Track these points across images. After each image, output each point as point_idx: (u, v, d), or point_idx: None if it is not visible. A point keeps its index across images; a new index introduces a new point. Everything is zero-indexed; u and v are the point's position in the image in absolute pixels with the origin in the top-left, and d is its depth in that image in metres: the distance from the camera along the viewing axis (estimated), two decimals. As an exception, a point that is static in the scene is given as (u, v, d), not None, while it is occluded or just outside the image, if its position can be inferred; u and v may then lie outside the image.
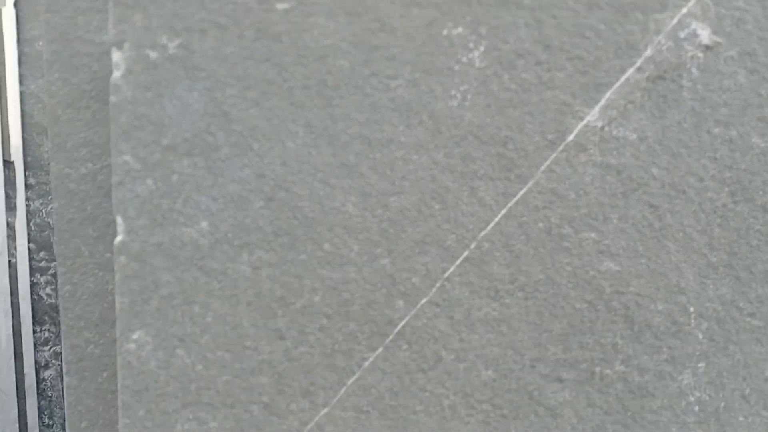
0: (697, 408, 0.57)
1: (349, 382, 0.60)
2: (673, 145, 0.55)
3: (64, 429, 1.57)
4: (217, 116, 0.55)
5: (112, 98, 0.55)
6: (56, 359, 1.50)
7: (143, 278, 0.58)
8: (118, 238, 0.57)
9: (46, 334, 1.48)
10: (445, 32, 0.53)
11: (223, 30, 0.54)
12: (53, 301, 1.47)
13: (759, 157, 0.57)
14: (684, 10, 0.53)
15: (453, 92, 0.54)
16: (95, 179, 0.78)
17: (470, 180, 0.52)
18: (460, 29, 0.53)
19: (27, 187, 1.37)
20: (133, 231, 0.57)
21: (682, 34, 0.54)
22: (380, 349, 0.59)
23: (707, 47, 0.55)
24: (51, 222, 1.41)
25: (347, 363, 0.59)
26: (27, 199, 1.37)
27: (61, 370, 1.54)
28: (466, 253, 0.55)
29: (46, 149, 1.37)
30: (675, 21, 0.53)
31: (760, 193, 0.57)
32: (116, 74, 0.54)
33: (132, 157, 0.55)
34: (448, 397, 0.59)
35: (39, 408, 1.54)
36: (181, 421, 0.61)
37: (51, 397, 1.53)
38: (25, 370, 1.44)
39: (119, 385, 0.62)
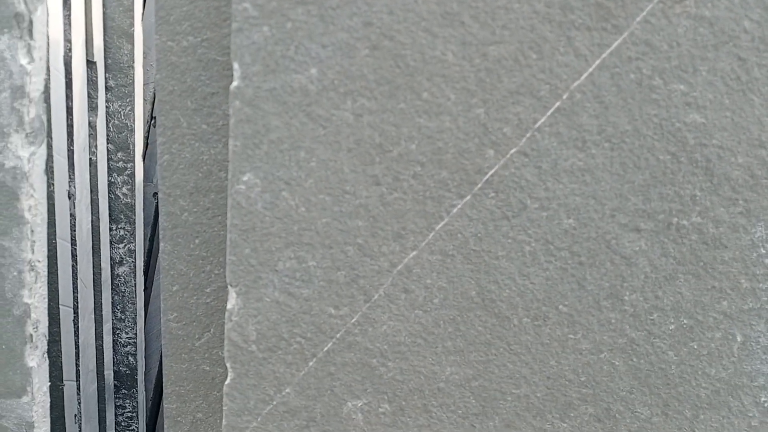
0: (767, 260, 0.61)
1: (438, 227, 0.65)
2: None
3: (135, 323, 1.68)
4: (329, -32, 0.59)
5: (234, -52, 0.59)
6: (130, 256, 1.60)
7: (255, 123, 0.63)
8: (234, 84, 0.63)
9: (122, 232, 1.57)
10: None
11: None
12: (129, 201, 1.55)
13: None
14: None
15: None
16: (195, 52, 0.83)
17: (568, 30, 0.56)
18: None
19: (107, 89, 1.44)
20: (248, 77, 0.62)
21: None
22: (468, 197, 0.63)
23: None
24: (129, 123, 1.48)
25: (437, 209, 0.64)
26: (106, 101, 1.45)
27: (135, 266, 1.64)
28: (557, 104, 0.58)
29: (126, 52, 1.44)
30: None
31: None
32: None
33: (250, 4, 0.60)
34: (530, 243, 0.64)
35: (113, 302, 1.65)
36: (283, 260, 0.67)
37: (124, 293, 1.63)
38: (102, 265, 1.54)
39: (228, 224, 0.68)
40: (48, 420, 1.04)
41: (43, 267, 0.97)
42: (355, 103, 0.62)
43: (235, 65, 0.62)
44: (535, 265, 0.64)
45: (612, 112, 0.58)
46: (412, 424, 0.69)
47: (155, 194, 1.82)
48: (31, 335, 0.97)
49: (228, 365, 0.70)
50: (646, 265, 0.62)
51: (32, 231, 0.93)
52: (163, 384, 0.90)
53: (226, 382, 0.70)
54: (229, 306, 0.68)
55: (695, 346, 0.65)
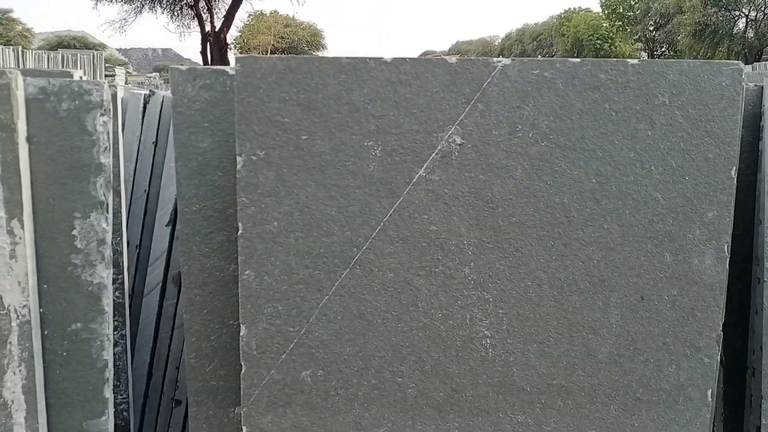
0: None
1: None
2: None
3: (126, 388, 2.36)
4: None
5: (235, 180, 1.45)
6: (122, 339, 2.30)
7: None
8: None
9: (116, 323, 2.28)
10: None
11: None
12: (121, 302, 2.28)
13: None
14: None
15: None
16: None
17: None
18: None
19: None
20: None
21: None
22: (342, 271, 1.51)
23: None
24: (119, 249, 2.24)
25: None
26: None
27: (125, 348, 2.34)
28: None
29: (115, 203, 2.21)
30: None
31: None
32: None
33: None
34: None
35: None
36: (263, 308, 1.50)
37: (118, 366, 2.33)
38: (103, 348, 2.24)
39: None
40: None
41: (112, 339, 1.71)
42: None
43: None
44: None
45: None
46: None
47: (129, 295, 2.55)
48: (107, 378, 1.70)
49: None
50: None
51: (108, 318, 1.69)
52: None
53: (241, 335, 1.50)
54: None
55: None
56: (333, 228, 1.46)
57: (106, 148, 1.69)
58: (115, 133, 2.23)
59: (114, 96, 2.20)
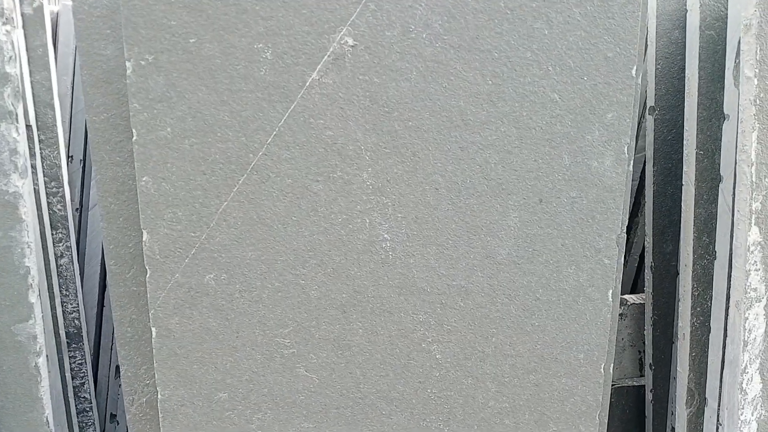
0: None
1: (232, 191, 1.52)
2: None
3: (76, 297, 2.44)
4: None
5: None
6: (67, 251, 2.36)
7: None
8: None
9: (60, 235, 2.33)
10: None
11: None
12: (63, 213, 2.32)
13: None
14: None
15: None
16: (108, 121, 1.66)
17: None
18: None
19: (40, 141, 2.21)
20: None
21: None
22: (242, 177, 1.51)
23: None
24: (57, 163, 2.25)
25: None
26: (40, 149, 2.21)
27: (71, 258, 2.40)
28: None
29: (50, 116, 2.21)
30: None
31: None
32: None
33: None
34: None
35: (59, 284, 2.40)
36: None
37: (66, 277, 2.39)
38: (50, 258, 2.30)
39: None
40: (44, 336, 1.82)
41: (33, 247, 1.76)
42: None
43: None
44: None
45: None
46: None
47: (77, 209, 2.59)
48: (31, 284, 1.76)
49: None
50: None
51: (27, 227, 1.72)
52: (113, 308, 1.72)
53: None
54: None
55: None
56: (227, 133, 1.46)
57: (11, 57, 1.67)
58: (44, 45, 2.20)
59: (40, 8, 2.16)
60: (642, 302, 2.23)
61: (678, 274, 2.08)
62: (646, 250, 2.22)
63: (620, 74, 1.44)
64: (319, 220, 1.52)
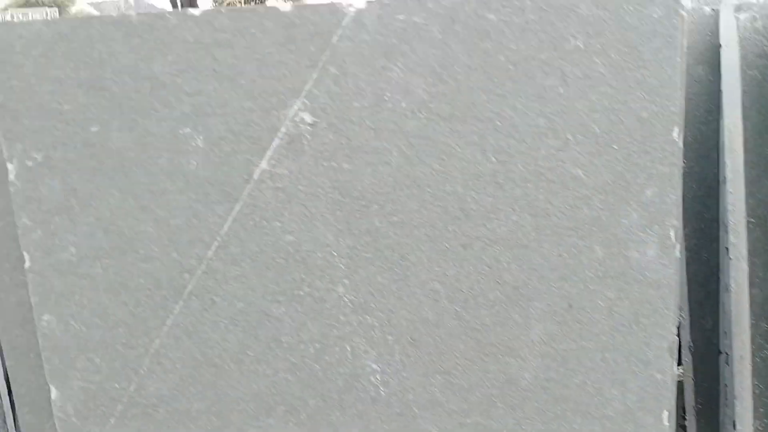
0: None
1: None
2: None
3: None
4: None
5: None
6: None
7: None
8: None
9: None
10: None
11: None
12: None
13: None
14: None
15: None
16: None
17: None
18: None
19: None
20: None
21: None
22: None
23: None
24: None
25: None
26: None
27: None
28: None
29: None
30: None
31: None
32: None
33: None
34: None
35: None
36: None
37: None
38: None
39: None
40: None
41: None
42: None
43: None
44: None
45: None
46: None
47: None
48: None
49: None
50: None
51: None
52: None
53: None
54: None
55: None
56: (152, 249, 1.09)
57: None
58: None
59: None
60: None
61: (720, 353, 1.75)
62: (681, 326, 1.89)
63: (659, 139, 1.12)
64: (284, 353, 1.15)
